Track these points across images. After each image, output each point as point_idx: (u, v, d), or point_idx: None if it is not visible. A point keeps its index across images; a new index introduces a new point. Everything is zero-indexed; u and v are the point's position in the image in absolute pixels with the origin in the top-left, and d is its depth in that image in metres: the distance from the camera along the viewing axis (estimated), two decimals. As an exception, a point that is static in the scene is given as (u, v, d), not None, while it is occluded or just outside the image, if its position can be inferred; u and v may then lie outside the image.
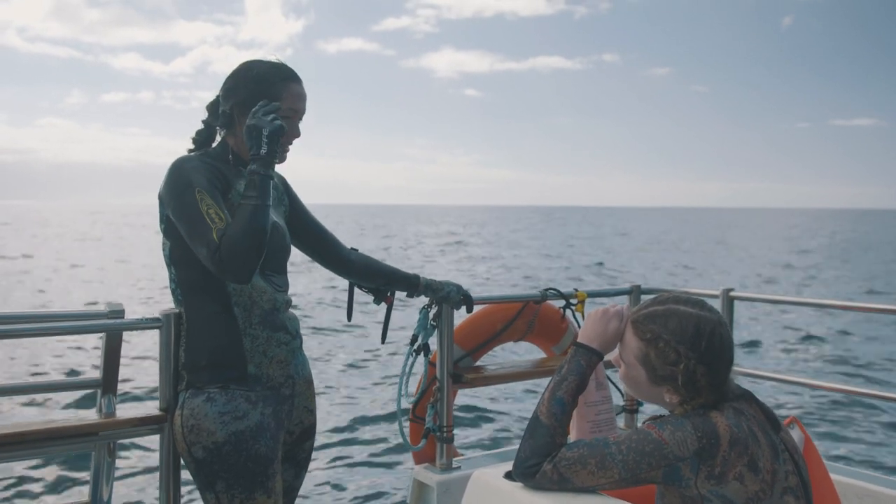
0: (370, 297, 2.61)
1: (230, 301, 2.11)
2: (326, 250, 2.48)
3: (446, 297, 2.67)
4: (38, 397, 7.70)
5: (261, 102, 2.07)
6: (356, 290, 2.61)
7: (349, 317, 2.64)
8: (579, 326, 3.23)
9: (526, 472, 1.73)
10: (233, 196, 2.10)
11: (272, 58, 2.22)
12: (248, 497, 2.09)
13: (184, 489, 2.30)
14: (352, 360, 10.87)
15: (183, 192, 2.02)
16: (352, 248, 2.54)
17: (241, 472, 2.07)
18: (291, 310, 2.30)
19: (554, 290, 3.21)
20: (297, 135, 2.22)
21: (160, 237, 2.18)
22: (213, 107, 2.23)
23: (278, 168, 2.38)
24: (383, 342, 2.76)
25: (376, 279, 2.56)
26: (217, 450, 2.06)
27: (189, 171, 2.05)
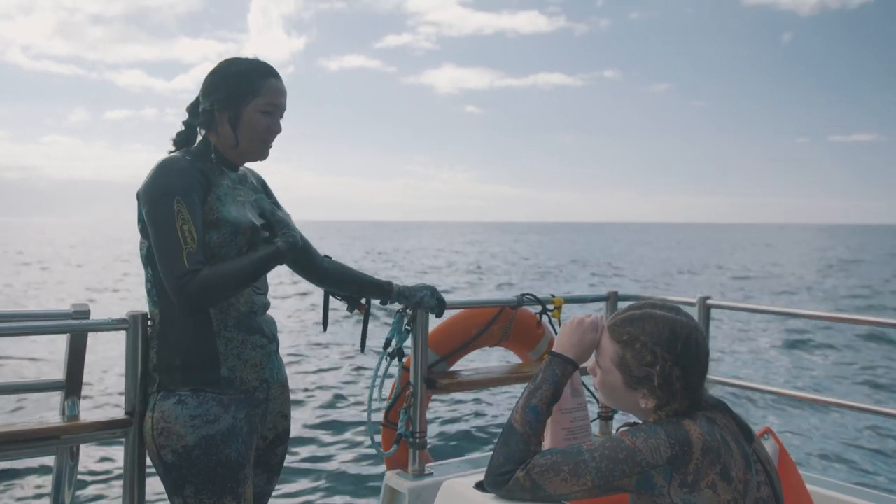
0: (344, 305, 2.59)
1: None
2: (302, 257, 2.44)
3: (420, 302, 2.64)
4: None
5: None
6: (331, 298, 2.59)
7: (324, 326, 2.61)
8: (555, 332, 3.21)
9: (498, 480, 1.72)
10: (211, 200, 2.06)
11: (251, 55, 2.20)
12: (217, 502, 2.05)
13: (149, 492, 2.25)
14: (326, 363, 10.82)
15: (161, 198, 1.98)
16: (325, 256, 2.50)
17: (210, 478, 2.03)
18: (269, 313, 2.27)
19: (530, 295, 3.19)
20: (279, 130, 2.20)
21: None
22: (193, 107, 2.20)
23: (259, 168, 2.35)
24: (363, 350, 2.72)
25: (349, 287, 2.54)
26: (187, 454, 2.02)
27: (173, 175, 2.01)
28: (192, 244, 1.94)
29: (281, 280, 20.96)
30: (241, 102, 2.12)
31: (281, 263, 2.12)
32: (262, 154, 2.21)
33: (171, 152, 2.17)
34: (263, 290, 2.23)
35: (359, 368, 10.33)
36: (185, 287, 1.91)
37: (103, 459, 6.08)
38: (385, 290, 2.57)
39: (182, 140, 2.20)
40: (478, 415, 8.01)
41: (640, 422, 1.76)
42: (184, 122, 2.21)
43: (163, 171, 2.03)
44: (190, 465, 2.03)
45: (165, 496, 2.10)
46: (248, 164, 2.30)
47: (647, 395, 1.70)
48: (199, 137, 2.20)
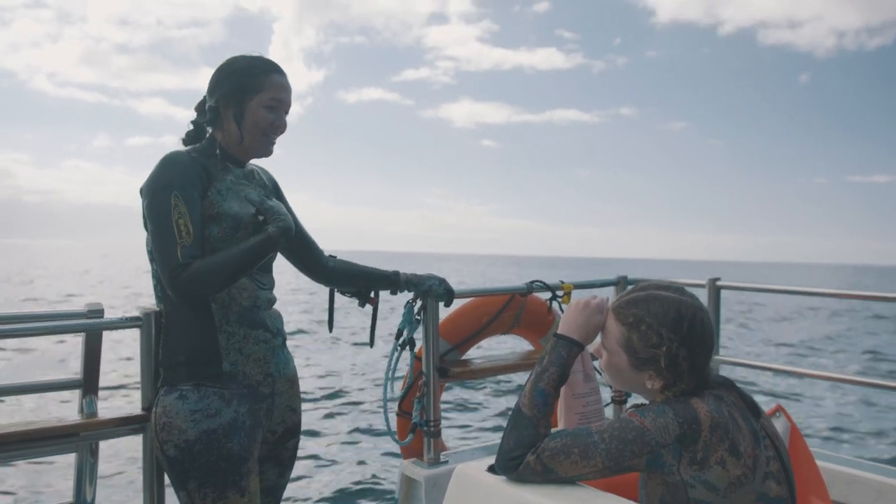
0: (355, 301, 2.60)
1: (208, 297, 2.08)
2: (309, 257, 2.47)
3: (429, 290, 2.66)
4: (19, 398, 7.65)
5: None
6: (340, 296, 2.60)
7: (330, 327, 2.63)
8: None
9: (509, 465, 1.73)
10: (212, 194, 2.08)
11: (255, 52, 2.22)
12: (221, 496, 2.06)
13: (168, 488, 2.28)
14: (339, 355, 10.86)
15: (160, 191, 2.01)
16: (330, 255, 2.52)
17: (212, 471, 2.05)
18: (276, 308, 2.28)
19: (540, 282, 3.20)
20: (283, 127, 2.21)
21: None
22: (200, 105, 2.22)
23: (268, 167, 2.36)
24: (372, 345, 2.72)
25: (357, 282, 2.56)
26: (188, 448, 2.04)
27: (173, 170, 2.04)
28: (188, 238, 1.97)
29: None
30: (244, 98, 2.13)
31: (274, 250, 2.13)
32: (266, 150, 2.22)
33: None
34: (268, 285, 2.24)
35: (371, 356, 10.35)
36: (177, 279, 1.95)
37: (126, 455, 6.14)
38: (393, 281, 2.58)
39: (191, 138, 2.22)
40: (492, 402, 8.03)
41: (648, 402, 1.77)
42: (192, 122, 2.23)
43: (163, 166, 2.05)
44: (192, 460, 2.04)
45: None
46: (257, 162, 2.32)
47: (654, 376, 1.71)
48: (208, 135, 2.21)
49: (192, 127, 2.23)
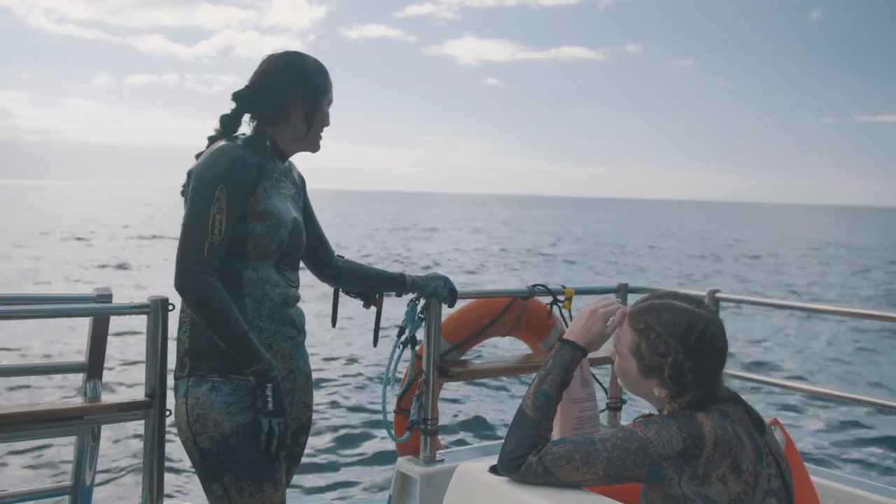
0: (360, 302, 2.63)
1: (243, 291, 2.09)
2: (321, 256, 2.49)
3: (434, 292, 2.68)
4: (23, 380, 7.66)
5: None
6: (345, 295, 2.62)
7: (334, 322, 2.65)
8: (566, 323, 3.25)
9: (511, 465, 1.75)
10: (259, 191, 2.09)
11: (298, 49, 2.30)
12: (258, 489, 2.06)
13: (167, 475, 2.29)
14: (339, 351, 10.87)
15: (208, 180, 2.02)
16: (338, 256, 2.54)
17: (249, 464, 2.04)
18: (299, 305, 2.30)
19: (542, 286, 3.23)
20: (329, 123, 2.29)
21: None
22: (248, 97, 2.20)
23: (297, 164, 2.38)
24: (375, 345, 2.75)
25: (363, 283, 2.58)
26: (224, 441, 2.03)
27: (228, 163, 2.04)
28: (218, 236, 1.97)
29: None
30: (320, 98, 2.21)
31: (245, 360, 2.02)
32: (318, 145, 2.29)
33: (210, 138, 2.19)
34: (296, 283, 2.26)
35: (371, 353, 10.37)
36: (190, 276, 1.95)
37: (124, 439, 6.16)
38: (399, 283, 2.61)
39: (228, 127, 2.21)
40: (489, 403, 8.05)
41: (656, 411, 1.79)
42: (232, 111, 2.21)
43: (220, 156, 2.06)
44: (228, 452, 2.03)
45: (184, 476, 2.14)
46: (292, 159, 2.33)
47: (660, 385, 1.72)
48: (247, 125, 2.22)
49: (230, 114, 2.21)
